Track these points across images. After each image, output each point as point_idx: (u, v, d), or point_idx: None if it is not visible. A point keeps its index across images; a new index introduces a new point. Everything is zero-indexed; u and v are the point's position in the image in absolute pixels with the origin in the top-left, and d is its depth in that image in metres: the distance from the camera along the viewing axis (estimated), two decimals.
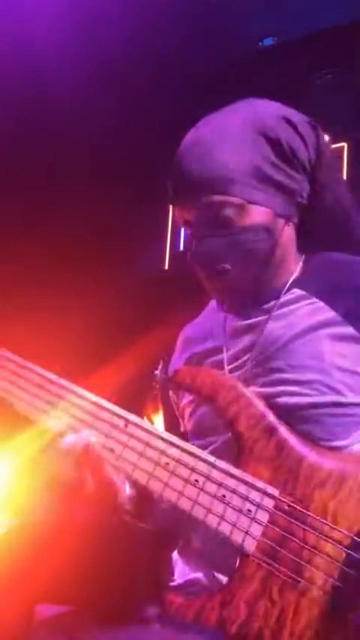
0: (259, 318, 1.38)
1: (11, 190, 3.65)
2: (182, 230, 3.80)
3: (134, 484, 1.31)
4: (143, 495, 1.34)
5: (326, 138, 1.41)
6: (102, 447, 1.21)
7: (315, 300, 1.33)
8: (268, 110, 1.36)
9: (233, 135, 1.32)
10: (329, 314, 1.30)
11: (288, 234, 1.38)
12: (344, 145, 3.53)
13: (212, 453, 1.31)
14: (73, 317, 3.24)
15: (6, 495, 2.94)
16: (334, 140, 3.55)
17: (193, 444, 1.39)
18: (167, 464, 1.19)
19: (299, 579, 1.09)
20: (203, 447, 1.34)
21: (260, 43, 3.60)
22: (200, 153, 1.32)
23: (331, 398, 1.24)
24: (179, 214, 1.40)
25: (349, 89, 3.44)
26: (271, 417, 1.21)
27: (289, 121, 1.34)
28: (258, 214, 1.32)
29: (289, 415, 1.24)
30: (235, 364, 1.37)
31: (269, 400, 1.26)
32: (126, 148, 3.65)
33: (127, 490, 1.29)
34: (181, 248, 3.82)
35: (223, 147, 1.31)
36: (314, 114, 3.63)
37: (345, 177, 3.46)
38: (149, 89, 3.62)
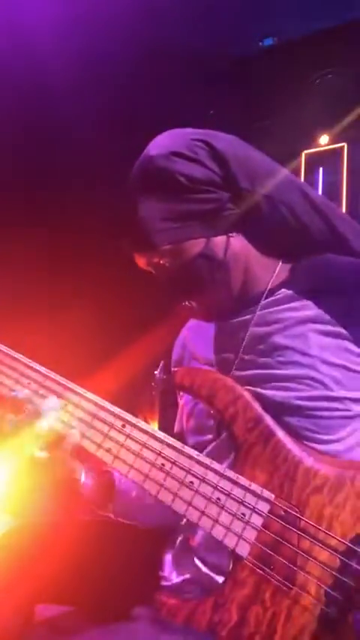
0: (244, 317, 1.39)
1: (12, 190, 3.65)
2: None
3: (98, 475, 1.34)
4: (104, 484, 1.35)
5: (229, 141, 1.40)
6: (97, 447, 1.23)
7: (301, 298, 1.34)
8: (156, 152, 1.37)
9: (139, 191, 1.37)
10: (315, 311, 1.32)
11: (237, 245, 1.39)
12: (344, 145, 3.53)
13: (211, 450, 1.33)
14: (73, 317, 3.24)
15: (6, 495, 2.95)
16: (334, 140, 3.55)
17: (192, 441, 1.40)
18: (163, 465, 1.20)
19: (291, 586, 1.09)
20: (202, 445, 1.36)
21: (260, 43, 3.59)
22: (124, 219, 1.41)
23: (320, 392, 1.25)
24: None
25: (349, 89, 3.44)
26: (269, 421, 1.22)
27: (175, 154, 1.35)
28: (190, 248, 1.35)
29: (281, 411, 1.25)
30: (224, 363, 1.39)
31: (260, 397, 1.27)
32: (126, 148, 3.64)
33: (83, 478, 1.30)
34: None
35: (137, 205, 1.37)
36: (314, 114, 3.63)
37: (344, 176, 3.46)
38: (149, 89, 3.62)
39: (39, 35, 3.16)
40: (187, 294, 1.40)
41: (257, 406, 1.23)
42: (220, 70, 3.57)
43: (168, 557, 1.41)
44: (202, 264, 1.35)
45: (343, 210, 3.35)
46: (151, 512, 1.38)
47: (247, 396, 1.25)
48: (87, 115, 3.54)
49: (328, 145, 3.60)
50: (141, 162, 1.40)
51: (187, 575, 1.32)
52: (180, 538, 1.40)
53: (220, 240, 1.37)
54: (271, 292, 1.38)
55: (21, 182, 3.72)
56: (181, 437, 1.44)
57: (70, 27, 3.21)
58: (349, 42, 3.39)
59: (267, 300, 1.38)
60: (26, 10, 3.17)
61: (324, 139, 3.60)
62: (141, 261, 1.42)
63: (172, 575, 1.36)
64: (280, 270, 1.42)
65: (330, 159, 3.57)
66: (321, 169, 3.61)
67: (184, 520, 1.31)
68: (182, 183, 1.33)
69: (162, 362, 1.58)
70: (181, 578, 1.33)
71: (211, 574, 1.27)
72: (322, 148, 3.60)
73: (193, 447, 1.36)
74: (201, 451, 1.34)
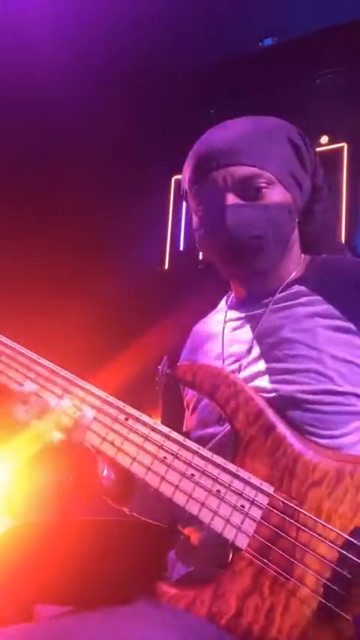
0: (257, 311, 1.43)
1: (11, 189, 3.65)
2: (182, 229, 3.80)
3: (114, 466, 1.34)
4: (123, 477, 1.36)
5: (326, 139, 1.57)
6: (102, 440, 1.24)
7: (312, 294, 1.38)
8: (287, 123, 1.49)
9: (270, 128, 1.43)
10: (325, 306, 1.34)
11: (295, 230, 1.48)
12: (344, 145, 3.53)
13: (214, 446, 1.34)
14: (73, 316, 3.25)
15: (6, 495, 2.95)
16: (334, 140, 3.55)
17: (196, 437, 1.41)
18: (165, 458, 1.21)
19: (289, 577, 1.10)
20: (205, 440, 1.36)
21: (260, 43, 3.60)
22: (239, 130, 1.42)
23: (325, 386, 1.27)
24: (197, 192, 1.44)
25: (349, 89, 3.44)
26: (270, 414, 1.22)
27: (300, 134, 1.47)
28: (283, 195, 1.41)
29: (285, 405, 1.26)
30: (234, 357, 1.41)
31: (265, 391, 1.28)
32: (126, 147, 3.65)
33: (105, 472, 1.33)
34: (181, 248, 3.81)
35: (261, 133, 1.41)
36: (314, 114, 3.63)
37: (344, 176, 3.46)
38: (149, 89, 3.62)
39: (39, 35, 3.18)
40: (260, 228, 1.38)
41: (259, 400, 1.24)
42: (220, 69, 3.57)
43: (171, 556, 1.41)
44: (287, 217, 1.41)
45: (343, 210, 3.35)
46: (166, 509, 1.38)
47: (249, 390, 1.26)
48: (86, 114, 3.55)
49: (328, 145, 3.60)
50: (275, 119, 1.47)
51: (189, 569, 1.33)
52: (182, 535, 1.40)
53: (294, 213, 1.44)
54: (285, 288, 1.42)
55: (20, 179, 3.72)
56: (187, 435, 1.45)
57: (68, 25, 3.22)
58: (349, 42, 3.40)
59: (280, 294, 1.41)
60: (26, 10, 3.18)
61: (324, 139, 3.60)
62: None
63: (173, 573, 1.37)
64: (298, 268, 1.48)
65: (330, 159, 3.57)
66: (321, 169, 3.61)
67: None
68: (302, 157, 1.44)
69: (165, 357, 1.58)
70: (182, 572, 1.34)
71: (213, 567, 1.27)
72: (322, 148, 3.60)
73: (196, 442, 1.37)
74: (203, 446, 1.35)
